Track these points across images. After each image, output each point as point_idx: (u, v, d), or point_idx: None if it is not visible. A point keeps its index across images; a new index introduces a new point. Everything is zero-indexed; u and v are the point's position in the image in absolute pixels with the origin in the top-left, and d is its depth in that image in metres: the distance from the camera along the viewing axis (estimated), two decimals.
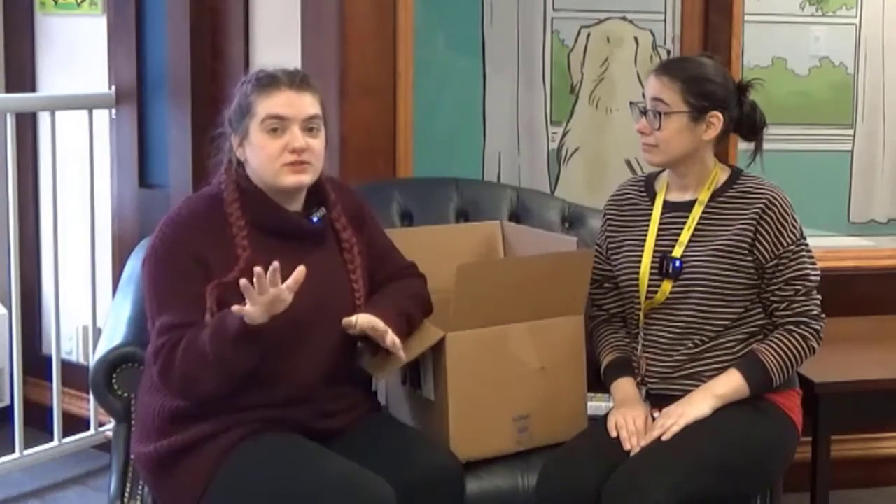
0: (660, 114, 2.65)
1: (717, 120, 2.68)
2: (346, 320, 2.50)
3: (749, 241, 2.65)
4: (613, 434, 2.62)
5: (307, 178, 2.50)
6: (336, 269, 2.57)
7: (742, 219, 2.67)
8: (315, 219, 2.55)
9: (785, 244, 2.65)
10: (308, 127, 2.48)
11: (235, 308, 2.29)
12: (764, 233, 2.65)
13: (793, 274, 2.66)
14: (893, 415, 3.41)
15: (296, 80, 2.49)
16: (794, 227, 2.68)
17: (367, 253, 2.64)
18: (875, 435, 3.75)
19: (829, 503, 3.08)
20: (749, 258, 2.66)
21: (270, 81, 2.49)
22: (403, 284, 2.67)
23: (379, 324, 2.49)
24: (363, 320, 2.49)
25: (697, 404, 2.60)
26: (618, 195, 2.88)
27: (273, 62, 2.57)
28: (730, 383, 2.62)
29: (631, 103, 2.77)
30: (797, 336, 2.66)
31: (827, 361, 3.12)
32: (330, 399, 2.51)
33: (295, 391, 2.46)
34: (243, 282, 2.28)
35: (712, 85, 2.68)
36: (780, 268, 2.65)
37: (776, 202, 2.66)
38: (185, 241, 2.45)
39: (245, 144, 2.50)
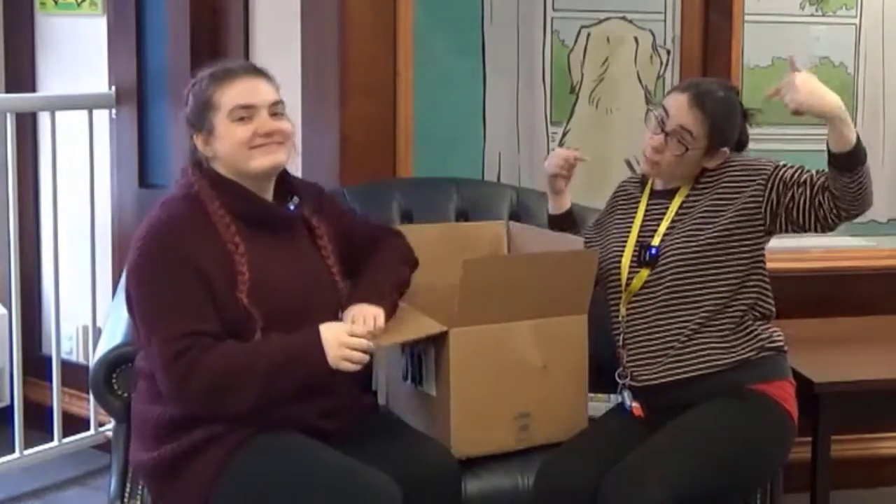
0: (682, 143, 2.68)
1: (723, 154, 2.74)
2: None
3: (734, 197, 2.68)
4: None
5: (281, 157, 2.51)
6: (314, 259, 2.58)
7: (719, 191, 2.70)
8: (291, 206, 2.56)
9: (765, 165, 2.69)
10: (273, 112, 2.50)
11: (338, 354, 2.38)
12: (746, 179, 2.68)
13: (794, 167, 2.67)
14: (893, 415, 3.41)
15: (251, 69, 2.53)
16: (769, 160, 2.71)
17: (336, 235, 2.64)
18: (875, 435, 3.76)
19: (828, 503, 3.08)
20: (738, 221, 2.66)
21: (226, 73, 2.51)
22: (385, 252, 2.68)
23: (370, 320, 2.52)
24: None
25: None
26: (623, 184, 2.96)
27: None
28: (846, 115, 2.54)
29: (649, 111, 2.77)
30: None
31: (827, 361, 3.13)
32: (329, 397, 2.51)
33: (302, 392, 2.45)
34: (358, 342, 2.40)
35: (733, 129, 2.73)
36: (780, 174, 2.65)
37: (738, 159, 2.73)
38: (173, 247, 2.40)
39: (212, 140, 2.49)
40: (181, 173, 2.55)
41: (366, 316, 2.50)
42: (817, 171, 2.63)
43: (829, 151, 2.55)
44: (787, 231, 2.70)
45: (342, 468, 2.36)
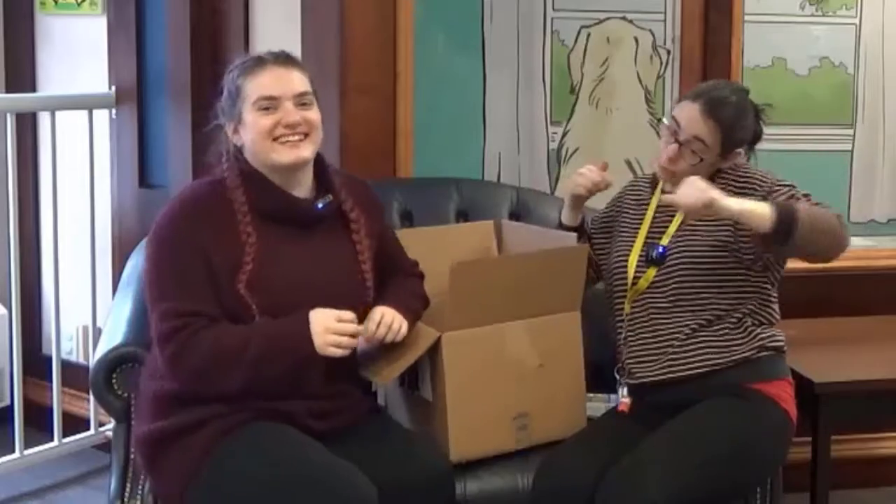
0: (697, 152, 2.67)
1: (737, 154, 2.73)
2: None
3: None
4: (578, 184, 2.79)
5: (304, 153, 2.51)
6: (344, 255, 2.57)
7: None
8: (320, 205, 2.56)
9: (761, 184, 2.68)
10: (301, 102, 2.51)
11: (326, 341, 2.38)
12: (746, 193, 2.66)
13: (785, 193, 2.65)
14: (893, 415, 3.41)
15: (281, 58, 2.53)
16: (765, 179, 2.69)
17: (378, 243, 2.64)
18: (875, 435, 3.76)
19: (828, 503, 3.08)
20: (739, 233, 2.65)
21: (256, 63, 2.52)
22: (408, 282, 2.69)
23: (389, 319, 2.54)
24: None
25: (725, 197, 2.54)
26: (634, 182, 2.96)
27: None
28: (755, 203, 2.55)
29: (661, 120, 2.77)
30: (822, 207, 2.62)
31: (827, 361, 3.13)
32: (327, 398, 2.51)
33: (293, 382, 2.45)
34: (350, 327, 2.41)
35: (746, 131, 2.72)
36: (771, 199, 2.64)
37: (744, 170, 2.72)
38: (188, 227, 2.45)
39: (239, 128, 2.52)
40: (224, 157, 2.57)
41: (394, 319, 2.52)
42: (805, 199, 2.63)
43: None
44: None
45: (319, 462, 2.36)
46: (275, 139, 2.48)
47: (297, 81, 2.52)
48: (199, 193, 2.53)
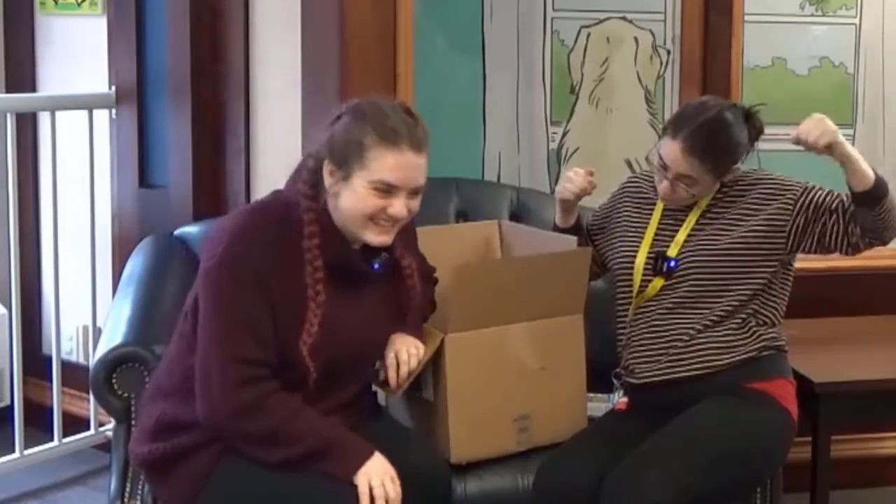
0: (689, 186, 2.67)
1: (735, 169, 2.73)
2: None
3: (757, 212, 2.69)
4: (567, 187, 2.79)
5: (390, 239, 2.43)
6: (397, 303, 2.55)
7: (743, 206, 2.71)
8: (376, 265, 2.49)
9: (794, 185, 2.71)
10: (414, 193, 2.42)
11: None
12: (771, 196, 2.69)
13: (824, 191, 2.69)
14: (893, 415, 3.41)
15: (416, 141, 2.38)
16: (790, 181, 2.73)
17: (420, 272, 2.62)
18: (875, 435, 3.76)
19: (828, 503, 3.08)
20: (758, 235, 2.67)
21: (393, 135, 2.36)
22: (424, 294, 2.66)
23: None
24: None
25: (846, 142, 2.59)
26: (635, 179, 2.95)
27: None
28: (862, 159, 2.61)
29: (648, 159, 2.80)
30: None
31: (827, 361, 3.13)
32: (333, 410, 2.47)
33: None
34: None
35: (737, 150, 2.70)
36: (811, 197, 2.67)
37: (766, 175, 2.74)
38: (254, 259, 2.32)
39: (341, 183, 2.38)
40: (294, 179, 2.44)
41: (409, 350, 2.52)
42: (847, 196, 2.64)
43: (850, 190, 2.60)
44: (812, 252, 2.71)
45: (314, 476, 2.33)
46: (370, 219, 2.39)
47: (421, 172, 2.40)
48: (267, 226, 2.38)
